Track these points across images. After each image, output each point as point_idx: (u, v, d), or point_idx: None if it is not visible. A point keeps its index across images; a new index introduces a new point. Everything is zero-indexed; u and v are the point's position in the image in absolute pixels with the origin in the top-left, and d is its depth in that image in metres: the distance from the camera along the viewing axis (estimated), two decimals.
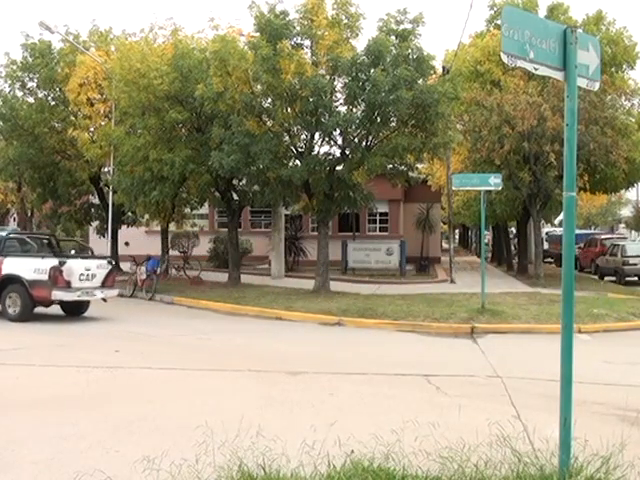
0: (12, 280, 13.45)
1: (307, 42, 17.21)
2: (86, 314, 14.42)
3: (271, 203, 20.91)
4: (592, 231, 48.21)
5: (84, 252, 16.88)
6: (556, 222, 45.30)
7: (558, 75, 4.22)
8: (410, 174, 20.54)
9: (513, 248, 34.42)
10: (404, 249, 25.41)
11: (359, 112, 16.91)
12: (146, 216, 23.39)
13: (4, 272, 13.55)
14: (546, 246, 33.92)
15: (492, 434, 4.60)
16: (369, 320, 13.26)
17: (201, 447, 4.51)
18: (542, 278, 21.25)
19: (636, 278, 24.61)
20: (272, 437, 4.86)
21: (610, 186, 24.93)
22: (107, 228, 23.41)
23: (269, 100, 17.06)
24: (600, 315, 13.41)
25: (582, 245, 30.79)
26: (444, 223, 40.89)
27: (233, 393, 7.33)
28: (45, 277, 13.17)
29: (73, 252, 20.23)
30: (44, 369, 8.53)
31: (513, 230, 38.97)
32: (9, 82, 23.03)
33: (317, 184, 17.47)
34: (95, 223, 26.42)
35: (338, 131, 17.04)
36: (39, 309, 13.71)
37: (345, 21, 17.12)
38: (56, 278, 13.15)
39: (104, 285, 14.17)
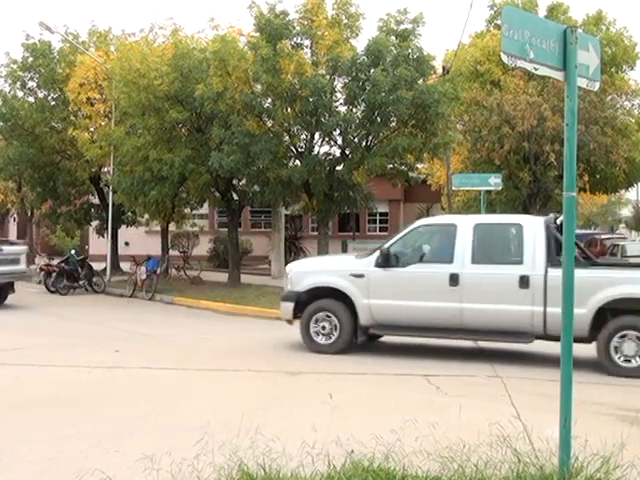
0: None
1: (307, 42, 17.21)
2: (85, 314, 14.43)
3: (271, 203, 20.91)
4: (592, 231, 48.16)
5: None
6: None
7: (558, 75, 4.23)
8: (410, 174, 20.51)
9: None
10: None
11: (359, 112, 16.90)
12: (146, 216, 23.39)
13: None
14: None
15: (492, 434, 4.59)
16: None
17: (201, 447, 4.51)
18: None
19: None
20: (272, 437, 4.86)
21: (610, 186, 24.91)
22: (107, 228, 23.40)
23: (269, 100, 17.05)
24: None
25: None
26: None
27: (233, 393, 7.33)
28: None
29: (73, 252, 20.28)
30: (44, 369, 8.52)
31: None
32: (9, 82, 23.02)
33: (317, 184, 17.46)
34: (95, 223, 26.41)
35: (338, 131, 17.03)
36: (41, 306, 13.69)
37: (345, 21, 17.13)
38: None
39: None
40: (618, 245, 26.02)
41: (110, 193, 22.14)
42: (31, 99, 23.44)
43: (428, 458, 4.32)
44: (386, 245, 9.79)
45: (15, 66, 22.90)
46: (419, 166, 23.69)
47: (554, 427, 4.19)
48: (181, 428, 5.69)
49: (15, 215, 38.48)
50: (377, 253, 9.63)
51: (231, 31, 18.27)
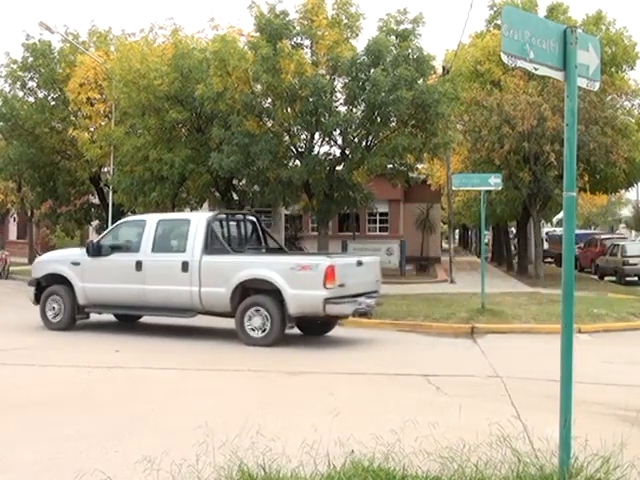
0: None
1: (307, 42, 17.25)
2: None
3: (271, 203, 20.93)
4: (592, 231, 48.19)
5: None
6: (554, 219, 45.26)
7: (558, 75, 4.22)
8: (410, 174, 20.51)
9: (513, 248, 34.41)
10: (404, 249, 25.38)
11: (359, 112, 16.92)
12: None
13: None
14: (546, 246, 33.90)
15: (492, 434, 4.59)
16: (369, 320, 13.22)
17: (201, 447, 4.51)
18: (542, 278, 21.23)
19: (636, 278, 24.59)
20: (272, 437, 4.86)
21: (610, 186, 24.91)
22: (107, 228, 23.39)
23: (269, 100, 17.07)
24: (600, 315, 13.39)
25: (582, 245, 30.78)
26: (444, 223, 40.87)
27: (233, 393, 7.32)
28: None
29: None
30: (44, 369, 8.52)
31: (513, 230, 38.96)
32: (9, 82, 23.04)
33: (317, 184, 17.47)
34: (95, 223, 26.41)
35: (338, 131, 17.04)
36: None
37: (345, 21, 17.16)
38: None
39: None
40: (618, 245, 26.05)
41: (110, 193, 22.16)
42: (31, 99, 23.47)
43: (428, 458, 4.31)
44: (96, 238, 12.13)
45: (15, 66, 22.92)
46: (419, 166, 23.70)
47: (554, 427, 4.18)
48: (181, 428, 5.69)
49: (15, 215, 38.48)
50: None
51: (231, 31, 18.31)
